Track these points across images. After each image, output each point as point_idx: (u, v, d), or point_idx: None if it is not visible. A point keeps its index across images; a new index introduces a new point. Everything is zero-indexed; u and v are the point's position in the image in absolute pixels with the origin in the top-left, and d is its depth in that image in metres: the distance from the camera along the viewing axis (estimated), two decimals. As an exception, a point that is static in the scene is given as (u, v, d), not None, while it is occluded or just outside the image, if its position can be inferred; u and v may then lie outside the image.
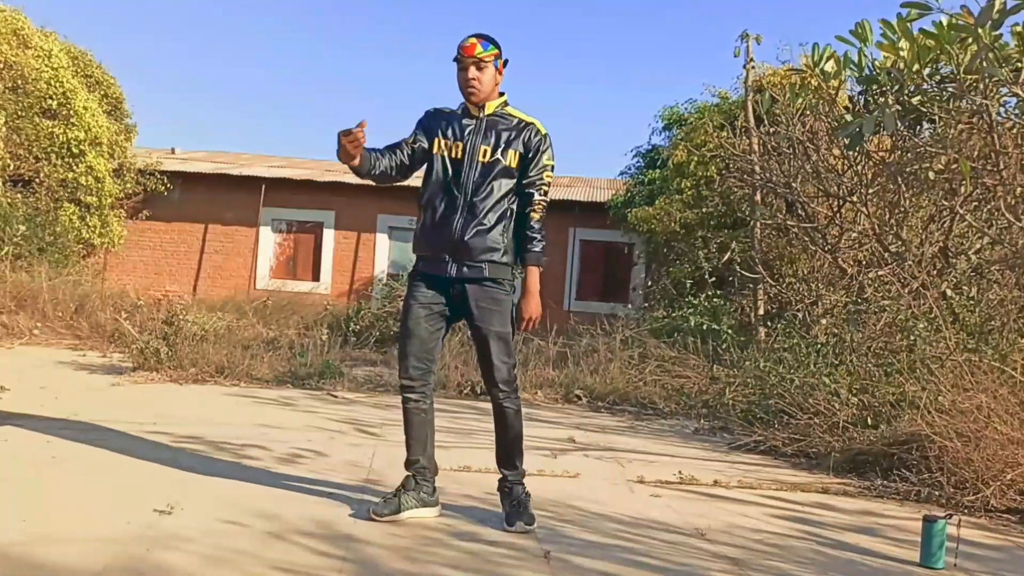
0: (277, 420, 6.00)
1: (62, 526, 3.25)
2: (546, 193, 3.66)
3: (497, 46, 3.57)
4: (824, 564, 3.43)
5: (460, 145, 3.57)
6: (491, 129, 3.58)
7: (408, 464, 3.71)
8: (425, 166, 3.68)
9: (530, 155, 3.60)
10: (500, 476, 3.79)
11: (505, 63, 3.62)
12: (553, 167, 3.68)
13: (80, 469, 4.18)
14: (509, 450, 3.76)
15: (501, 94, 3.67)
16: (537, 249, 3.60)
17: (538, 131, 3.63)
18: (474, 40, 3.53)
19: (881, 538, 3.88)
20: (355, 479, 4.36)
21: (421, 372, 3.67)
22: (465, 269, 3.56)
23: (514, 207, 3.64)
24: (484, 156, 3.55)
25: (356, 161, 3.46)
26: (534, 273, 3.59)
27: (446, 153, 3.59)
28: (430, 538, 3.42)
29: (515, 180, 3.61)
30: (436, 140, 3.61)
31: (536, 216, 3.61)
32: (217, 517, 3.49)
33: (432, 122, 3.67)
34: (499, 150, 3.56)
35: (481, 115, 3.60)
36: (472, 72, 3.52)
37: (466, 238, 3.53)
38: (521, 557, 3.26)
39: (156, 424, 5.44)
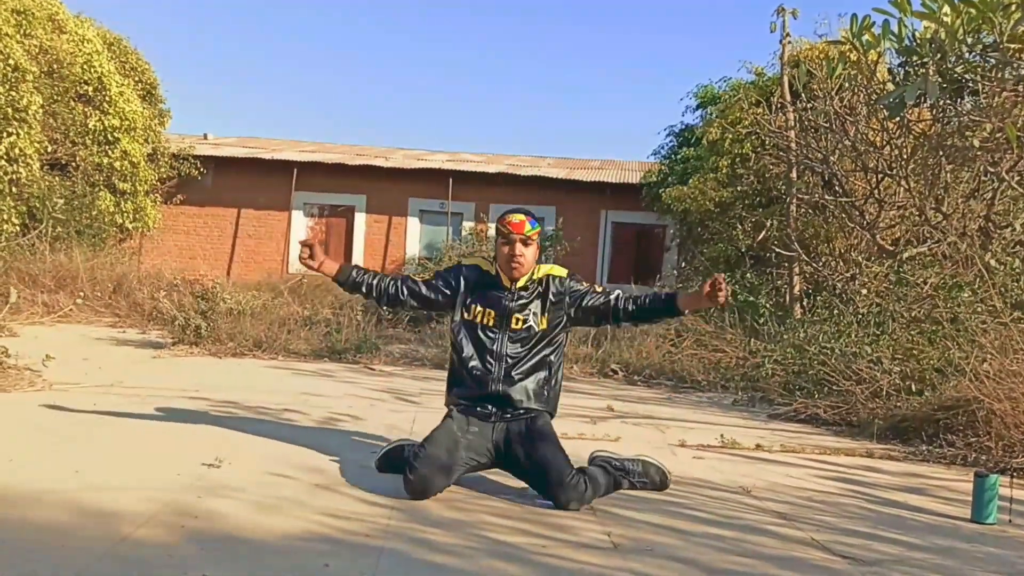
0: (317, 389, 6.05)
1: (114, 476, 3.29)
2: (607, 290, 3.68)
3: (540, 224, 3.65)
4: (873, 519, 3.39)
5: (494, 314, 3.58)
6: (520, 299, 3.60)
7: None
8: (454, 327, 3.66)
9: (569, 296, 3.63)
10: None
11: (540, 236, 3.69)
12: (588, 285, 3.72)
13: (127, 428, 4.24)
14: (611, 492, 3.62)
15: None
16: (665, 292, 3.69)
17: (557, 276, 3.65)
18: (523, 218, 3.56)
19: (930, 497, 3.84)
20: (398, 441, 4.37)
21: (430, 492, 3.29)
22: (507, 415, 3.54)
23: (551, 361, 3.65)
24: (517, 324, 3.59)
25: (326, 270, 3.54)
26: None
27: (479, 319, 3.60)
28: (476, 491, 3.43)
29: (547, 339, 3.62)
30: (473, 307, 3.60)
31: (624, 295, 3.63)
32: (264, 470, 3.53)
33: (466, 285, 3.64)
34: (530, 317, 3.59)
35: (513, 288, 3.60)
36: (519, 248, 3.54)
37: (508, 396, 3.54)
38: (568, 509, 3.26)
39: (199, 391, 5.50)
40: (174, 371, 6.50)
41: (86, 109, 14.49)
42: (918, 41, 6.34)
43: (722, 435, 4.90)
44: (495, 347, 3.57)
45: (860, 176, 9.32)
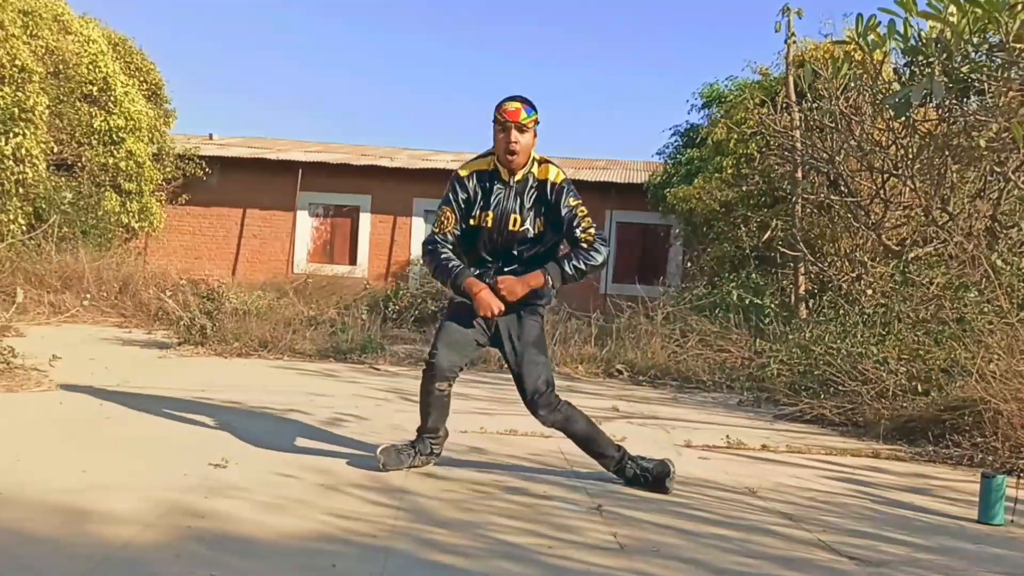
0: (322, 389, 6.06)
1: (122, 476, 3.30)
2: (588, 226, 3.61)
3: (537, 111, 3.63)
4: (879, 520, 3.39)
5: (492, 215, 3.62)
6: (519, 196, 3.63)
7: (427, 431, 3.76)
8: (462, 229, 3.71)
9: (554, 208, 3.62)
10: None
11: (537, 123, 3.65)
12: (578, 204, 3.65)
13: (134, 428, 4.25)
14: (590, 448, 3.73)
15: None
16: (566, 267, 3.56)
17: (552, 183, 3.63)
18: (518, 105, 3.57)
19: (935, 497, 3.84)
20: (403, 441, 4.36)
21: (451, 376, 3.61)
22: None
23: (549, 253, 3.71)
24: (514, 225, 3.61)
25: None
26: (538, 276, 3.55)
27: (478, 223, 3.64)
28: (482, 492, 3.43)
29: (542, 241, 3.67)
30: (479, 213, 3.64)
31: (584, 247, 3.58)
32: (271, 471, 3.53)
33: (466, 193, 3.65)
34: (527, 219, 3.62)
35: (511, 181, 3.63)
36: (514, 135, 3.55)
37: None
38: (574, 509, 3.26)
39: (204, 391, 5.51)
40: (180, 371, 6.52)
41: (91, 109, 14.51)
42: (924, 41, 6.32)
43: (728, 435, 4.90)
44: (493, 248, 3.63)
45: (866, 176, 9.31)
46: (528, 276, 3.55)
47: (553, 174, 3.65)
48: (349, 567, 2.47)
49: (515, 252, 3.64)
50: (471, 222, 3.64)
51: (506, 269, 3.63)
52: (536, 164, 3.66)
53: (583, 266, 3.56)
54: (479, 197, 3.62)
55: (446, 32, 65.42)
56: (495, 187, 3.62)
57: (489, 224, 3.61)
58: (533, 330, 3.64)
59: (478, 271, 3.63)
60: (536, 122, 3.61)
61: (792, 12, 10.41)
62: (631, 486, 3.66)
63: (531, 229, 3.62)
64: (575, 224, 3.59)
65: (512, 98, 3.60)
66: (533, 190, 3.63)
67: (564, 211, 3.59)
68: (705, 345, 8.02)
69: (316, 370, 7.16)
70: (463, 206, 3.63)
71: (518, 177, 3.63)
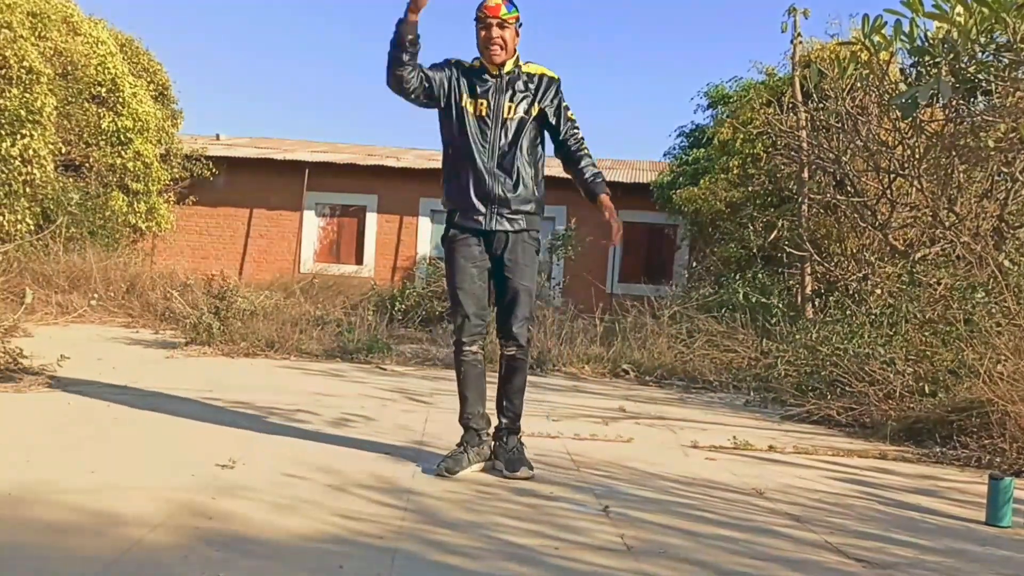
0: (329, 389, 6.07)
1: (130, 477, 3.32)
2: (582, 136, 3.81)
3: (518, 9, 3.67)
4: (886, 521, 3.39)
5: (485, 103, 3.66)
6: (510, 86, 3.68)
7: (471, 417, 3.80)
8: (445, 122, 3.74)
9: (549, 104, 3.73)
10: (497, 424, 3.84)
11: (520, 26, 3.71)
12: (568, 107, 3.81)
13: (142, 429, 4.26)
14: (512, 397, 3.84)
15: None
16: (600, 180, 3.76)
17: (551, 79, 3.76)
18: (499, 1, 3.60)
19: (943, 499, 3.83)
20: (409, 441, 4.39)
21: (480, 328, 3.77)
22: (505, 222, 3.70)
23: (540, 159, 3.81)
24: (509, 113, 3.66)
25: (414, 17, 3.46)
26: (607, 199, 3.70)
27: (471, 111, 3.67)
28: (488, 492, 3.44)
29: (538, 132, 3.78)
30: (463, 98, 3.67)
31: (584, 151, 3.79)
32: (279, 471, 3.54)
33: (455, 77, 3.68)
34: (521, 106, 3.68)
35: (500, 72, 3.68)
36: (495, 31, 3.60)
37: (501, 193, 3.67)
38: (580, 511, 3.26)
39: (212, 391, 5.52)
40: (187, 371, 6.53)
41: (99, 110, 14.53)
42: (930, 41, 6.31)
43: (734, 436, 4.90)
44: (490, 138, 3.65)
45: (872, 176, 9.29)
46: (609, 204, 3.67)
47: (550, 73, 3.76)
48: (356, 568, 2.47)
49: (514, 142, 3.66)
50: (463, 105, 3.64)
51: (505, 155, 3.65)
52: (521, 62, 3.73)
53: (602, 177, 3.78)
54: (464, 85, 3.65)
55: (453, 34, 65.49)
56: (484, 79, 3.66)
57: (483, 112, 3.64)
58: (528, 255, 3.75)
59: (478, 168, 3.64)
60: (517, 19, 3.65)
61: (798, 12, 10.39)
62: (500, 451, 3.76)
63: (526, 117, 3.67)
64: (572, 128, 3.78)
65: None
66: (523, 82, 3.70)
67: (562, 112, 3.74)
68: (712, 345, 8.02)
69: (323, 370, 7.18)
70: (446, 71, 3.65)
71: (507, 69, 3.67)
